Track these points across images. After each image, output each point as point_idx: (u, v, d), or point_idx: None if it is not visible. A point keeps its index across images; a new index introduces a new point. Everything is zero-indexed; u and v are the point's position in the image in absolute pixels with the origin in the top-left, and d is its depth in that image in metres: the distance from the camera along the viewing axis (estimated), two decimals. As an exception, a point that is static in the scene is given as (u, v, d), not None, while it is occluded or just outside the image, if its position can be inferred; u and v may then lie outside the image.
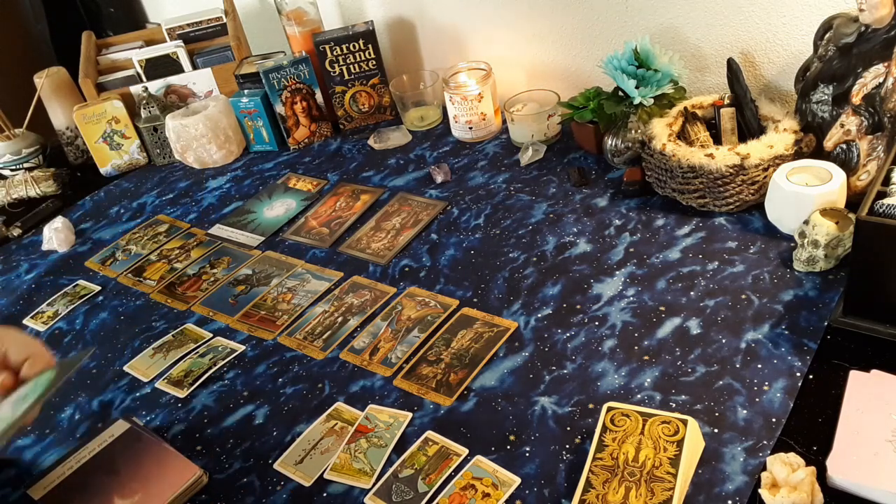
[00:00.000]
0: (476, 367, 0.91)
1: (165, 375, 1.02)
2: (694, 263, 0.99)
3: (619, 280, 1.00)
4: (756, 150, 1.01)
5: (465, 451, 0.81)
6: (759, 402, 0.79)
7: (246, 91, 1.52)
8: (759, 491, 0.69)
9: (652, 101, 1.15)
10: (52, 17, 2.17)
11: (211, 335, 1.08)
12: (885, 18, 0.94)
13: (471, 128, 1.39)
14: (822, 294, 0.90)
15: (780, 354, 0.83)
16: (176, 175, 1.55)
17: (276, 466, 0.85)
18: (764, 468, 0.71)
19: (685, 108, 1.14)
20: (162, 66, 1.63)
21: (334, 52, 1.47)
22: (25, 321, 1.20)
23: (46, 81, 1.60)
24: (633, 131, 1.17)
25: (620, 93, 1.19)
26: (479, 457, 0.80)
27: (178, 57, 1.63)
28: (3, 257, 1.40)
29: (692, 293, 0.95)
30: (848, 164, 0.99)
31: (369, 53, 1.48)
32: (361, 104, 1.54)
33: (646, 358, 0.87)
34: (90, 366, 1.07)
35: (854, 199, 0.95)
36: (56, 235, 1.38)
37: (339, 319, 1.05)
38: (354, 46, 1.47)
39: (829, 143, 1.00)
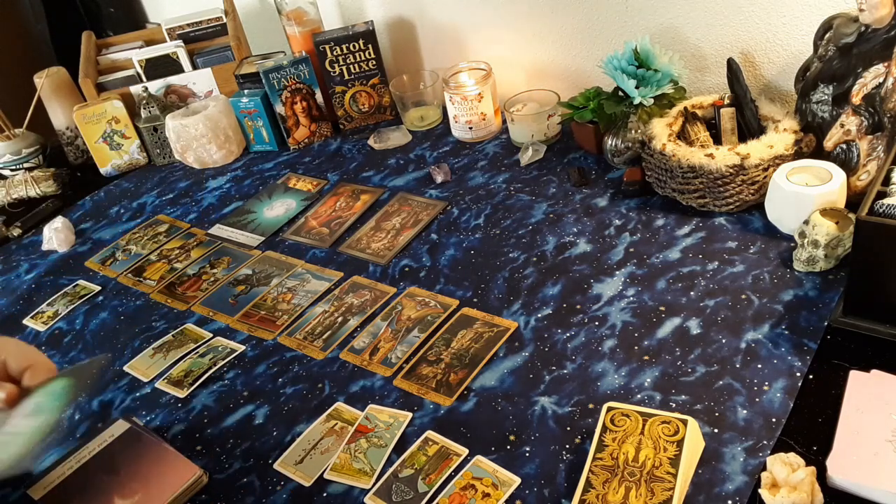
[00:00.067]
0: (476, 367, 0.91)
1: (165, 375, 1.02)
2: (694, 263, 0.99)
3: (619, 280, 1.00)
4: (756, 150, 1.01)
5: (465, 451, 0.81)
6: (759, 402, 0.79)
7: (246, 91, 1.52)
8: (759, 491, 0.69)
9: (652, 101, 1.15)
10: (52, 17, 2.17)
11: (211, 335, 1.08)
12: (885, 18, 0.94)
13: (471, 128, 1.39)
14: (822, 294, 0.90)
15: (780, 354, 0.83)
16: (176, 175, 1.55)
17: (276, 466, 0.85)
18: (764, 468, 0.71)
19: (685, 108, 1.14)
20: (162, 66, 1.63)
21: (334, 52, 1.47)
22: (25, 321, 1.20)
23: (46, 81, 1.60)
24: (633, 131, 1.17)
25: (620, 93, 1.19)
26: (479, 457, 0.80)
27: (178, 57, 1.63)
28: (3, 257, 1.40)
29: (692, 293, 0.95)
30: (848, 164, 0.99)
31: (369, 53, 1.48)
32: (361, 104, 1.54)
33: (646, 358, 0.87)
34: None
35: (854, 199, 0.95)
36: (56, 235, 1.38)
37: (339, 319, 1.05)
38: (354, 46, 1.47)
39: (829, 143, 1.00)
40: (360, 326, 1.03)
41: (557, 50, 1.42)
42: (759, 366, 0.83)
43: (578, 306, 0.97)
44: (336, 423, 0.89)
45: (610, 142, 1.20)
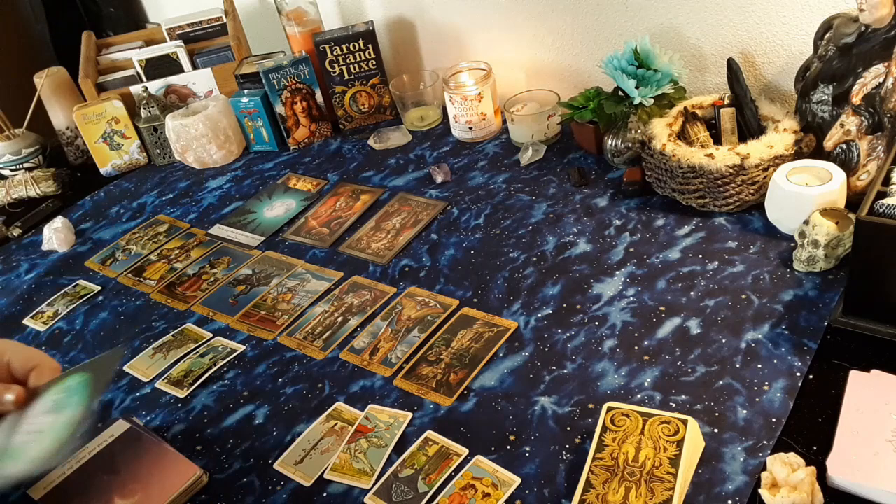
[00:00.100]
0: (476, 367, 0.91)
1: (165, 375, 1.02)
2: (694, 263, 0.99)
3: (619, 280, 1.00)
4: (756, 150, 1.01)
5: (465, 451, 0.81)
6: (759, 402, 0.79)
7: (246, 91, 1.52)
8: (759, 491, 0.69)
9: (652, 101, 1.15)
10: (52, 17, 2.17)
11: (211, 335, 1.08)
12: (885, 18, 0.94)
13: (471, 128, 1.39)
14: (822, 294, 0.90)
15: (780, 354, 0.83)
16: (176, 175, 1.55)
17: (276, 466, 0.85)
18: (764, 468, 0.71)
19: (685, 108, 1.14)
20: (162, 66, 1.63)
21: (334, 52, 1.47)
22: (25, 321, 1.20)
23: (46, 81, 1.60)
24: (633, 131, 1.17)
25: (620, 93, 1.19)
26: (479, 457, 0.80)
27: (178, 57, 1.63)
28: (3, 257, 1.40)
29: (692, 293, 0.95)
30: (848, 164, 0.99)
31: (369, 53, 1.48)
32: (361, 104, 1.54)
33: (646, 358, 0.87)
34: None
35: (854, 199, 0.95)
36: (56, 235, 1.38)
37: (339, 319, 1.05)
38: (354, 46, 1.47)
39: (829, 143, 1.00)
40: (360, 326, 1.03)
41: (557, 50, 1.42)
42: (759, 366, 0.83)
43: (578, 306, 0.97)
44: (336, 423, 0.89)
45: (610, 142, 1.20)
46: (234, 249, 1.27)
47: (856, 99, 0.97)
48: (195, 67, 1.64)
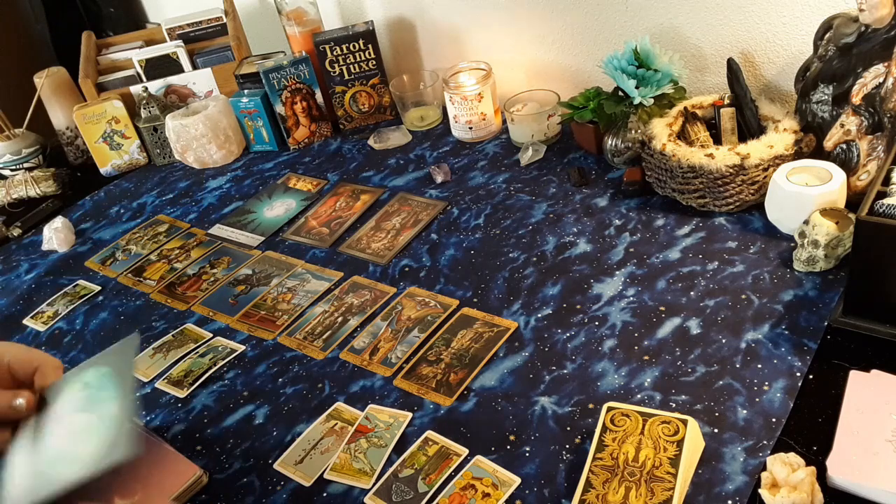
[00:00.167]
0: (476, 367, 0.91)
1: (165, 375, 1.02)
2: (694, 263, 0.99)
3: (619, 280, 1.00)
4: (756, 150, 1.01)
5: (465, 451, 0.81)
6: (759, 402, 0.79)
7: (246, 91, 1.52)
8: (759, 491, 0.69)
9: (652, 101, 1.15)
10: (52, 17, 2.18)
11: (211, 335, 1.08)
12: (885, 18, 0.94)
13: (471, 128, 1.39)
14: (822, 294, 0.90)
15: (780, 354, 0.83)
16: (176, 175, 1.55)
17: (276, 466, 0.85)
18: (764, 468, 0.71)
19: (685, 108, 1.14)
20: (162, 66, 1.63)
21: (334, 52, 1.47)
22: (25, 321, 1.20)
23: (46, 81, 1.60)
24: (633, 131, 1.17)
25: (620, 93, 1.19)
26: (479, 457, 0.80)
27: (178, 57, 1.63)
28: (3, 257, 1.40)
29: (692, 293, 0.95)
30: (848, 164, 0.99)
31: (369, 53, 1.48)
32: (361, 104, 1.54)
33: (646, 358, 0.87)
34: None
35: (854, 199, 0.95)
36: (56, 235, 1.38)
37: (339, 319, 1.05)
38: (354, 46, 1.47)
39: (829, 143, 1.00)
40: (360, 326, 1.03)
41: (557, 50, 1.42)
42: (759, 366, 0.83)
43: (578, 306, 0.97)
44: (336, 423, 0.89)
45: (610, 142, 1.20)
46: (234, 249, 1.27)
47: (856, 99, 0.97)
48: (195, 67, 1.64)
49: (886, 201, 0.78)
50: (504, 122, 1.41)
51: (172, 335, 1.10)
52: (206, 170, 1.55)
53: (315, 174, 1.43)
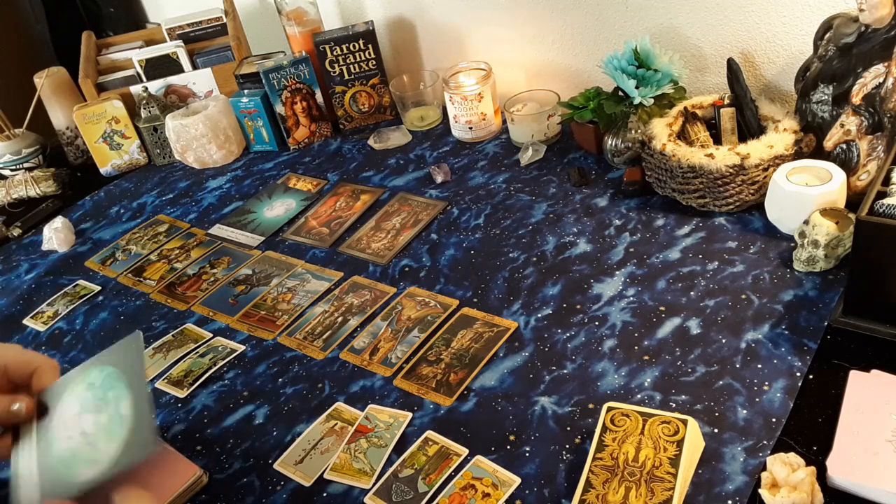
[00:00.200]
0: (476, 367, 0.91)
1: (165, 375, 1.02)
2: (694, 263, 0.99)
3: (619, 280, 1.00)
4: (756, 150, 1.01)
5: (465, 451, 0.81)
6: (759, 402, 0.79)
7: (246, 91, 1.52)
8: (759, 491, 0.69)
9: (652, 101, 1.15)
10: (52, 17, 2.18)
11: (211, 335, 1.08)
12: (885, 18, 0.94)
13: (471, 128, 1.39)
14: (822, 294, 0.90)
15: (780, 354, 0.83)
16: (176, 175, 1.55)
17: (276, 466, 0.85)
18: (764, 468, 0.71)
19: (685, 108, 1.14)
20: (162, 66, 1.63)
21: (334, 52, 1.47)
22: (25, 321, 1.20)
23: (46, 81, 1.60)
24: (633, 131, 1.17)
25: (620, 93, 1.19)
26: (479, 457, 0.80)
27: (178, 57, 1.63)
28: (3, 257, 1.40)
29: (692, 293, 0.95)
30: (848, 164, 0.99)
31: (369, 53, 1.48)
32: (361, 104, 1.54)
33: (646, 358, 0.87)
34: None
35: (854, 199, 0.95)
36: (56, 235, 1.38)
37: (339, 319, 1.05)
38: (354, 46, 1.47)
39: (829, 143, 1.00)
40: (360, 326, 1.03)
41: (557, 50, 1.42)
42: (759, 366, 0.83)
43: (578, 306, 0.97)
44: (336, 423, 0.89)
45: (610, 142, 1.20)
46: (234, 249, 1.27)
47: (856, 99, 0.97)
48: (195, 67, 1.64)
49: (886, 201, 0.78)
50: (504, 122, 1.41)
51: (172, 335, 1.10)
52: (206, 170, 1.55)
53: (315, 174, 1.43)
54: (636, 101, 1.15)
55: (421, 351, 0.96)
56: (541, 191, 1.22)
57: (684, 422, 0.74)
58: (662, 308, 0.94)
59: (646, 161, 1.12)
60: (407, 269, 1.12)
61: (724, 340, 0.87)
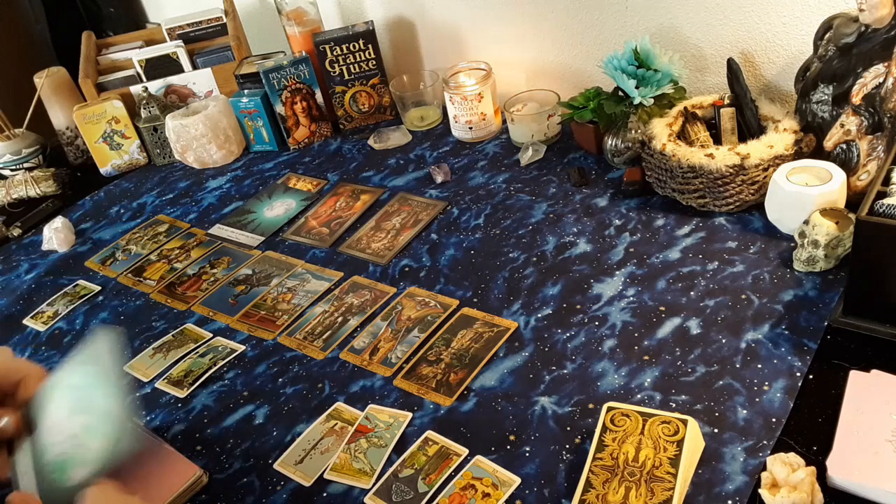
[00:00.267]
0: (476, 367, 0.91)
1: (165, 375, 1.02)
2: (694, 263, 0.99)
3: (619, 280, 1.00)
4: (756, 150, 1.01)
5: (465, 451, 0.81)
6: (759, 402, 0.79)
7: (246, 91, 1.52)
8: (759, 491, 0.69)
9: (652, 101, 1.15)
10: (52, 17, 2.17)
11: (211, 335, 1.08)
12: (885, 18, 0.94)
13: (471, 128, 1.39)
14: (822, 294, 0.90)
15: (780, 354, 0.83)
16: (176, 175, 1.55)
17: (276, 466, 0.85)
18: (764, 468, 0.71)
19: (685, 108, 1.14)
20: (162, 66, 1.63)
21: (334, 52, 1.47)
22: (25, 321, 1.20)
23: (46, 81, 1.60)
24: (633, 131, 1.17)
25: (620, 93, 1.19)
26: (479, 457, 0.80)
27: (178, 57, 1.63)
28: (3, 257, 1.40)
29: (692, 293, 0.95)
30: (848, 164, 0.99)
31: (369, 53, 1.48)
32: (361, 104, 1.54)
33: (646, 358, 0.87)
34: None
35: (854, 199, 0.95)
36: (56, 235, 1.38)
37: (339, 319, 1.05)
38: (354, 46, 1.47)
39: (829, 143, 1.00)
40: (360, 326, 1.03)
41: (557, 50, 1.42)
42: (759, 366, 0.83)
43: (578, 306, 0.97)
44: (336, 423, 0.89)
45: (610, 142, 1.20)
46: (234, 249, 1.27)
47: (856, 99, 0.97)
48: (195, 67, 1.64)
49: (886, 201, 0.78)
50: (504, 122, 1.41)
51: (172, 335, 1.10)
52: (206, 170, 1.55)
53: (315, 174, 1.43)
54: (636, 101, 1.15)
55: (421, 351, 0.96)
56: (541, 191, 1.22)
57: (684, 422, 0.74)
58: (662, 308, 0.94)
59: (646, 161, 1.12)
60: (407, 269, 1.12)
61: (724, 340, 0.87)
